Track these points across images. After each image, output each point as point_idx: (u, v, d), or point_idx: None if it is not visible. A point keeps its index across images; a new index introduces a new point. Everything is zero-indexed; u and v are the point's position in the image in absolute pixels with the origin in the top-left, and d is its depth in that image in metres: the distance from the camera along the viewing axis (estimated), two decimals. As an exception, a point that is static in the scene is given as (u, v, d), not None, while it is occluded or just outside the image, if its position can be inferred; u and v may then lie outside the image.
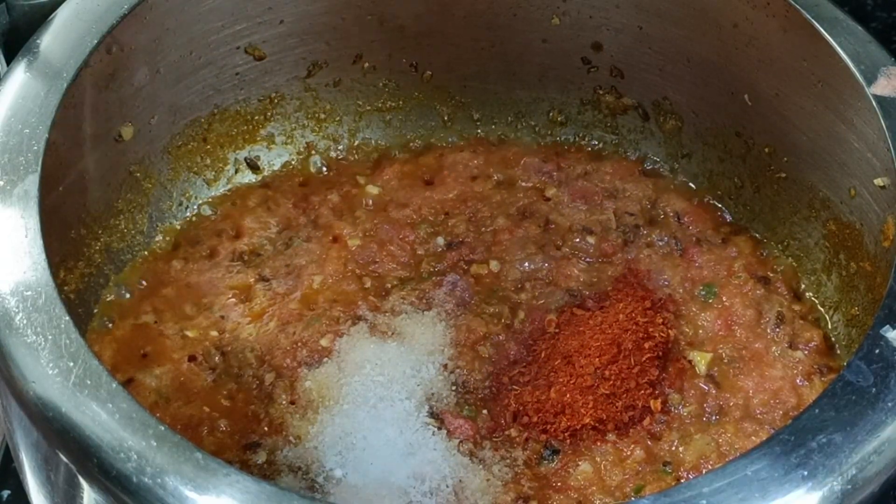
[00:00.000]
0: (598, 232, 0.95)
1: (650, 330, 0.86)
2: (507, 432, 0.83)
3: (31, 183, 0.72)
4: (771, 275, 0.94)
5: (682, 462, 0.81)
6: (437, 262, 0.93)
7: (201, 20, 0.92)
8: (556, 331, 0.88)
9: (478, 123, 1.06)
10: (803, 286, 0.94)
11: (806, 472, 0.60)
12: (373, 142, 1.05)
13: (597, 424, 0.82)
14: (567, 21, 0.98)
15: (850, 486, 0.60)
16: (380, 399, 0.82)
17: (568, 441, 0.82)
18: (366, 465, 0.78)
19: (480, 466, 0.80)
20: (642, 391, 0.84)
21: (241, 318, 0.89)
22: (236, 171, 1.01)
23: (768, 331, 0.88)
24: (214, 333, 0.88)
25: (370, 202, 0.98)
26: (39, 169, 0.73)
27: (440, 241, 0.95)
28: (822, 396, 0.64)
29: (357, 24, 0.99)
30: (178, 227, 0.97)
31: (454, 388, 0.85)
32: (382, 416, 0.81)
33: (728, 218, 0.99)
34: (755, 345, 0.87)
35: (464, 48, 1.02)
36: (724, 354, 0.87)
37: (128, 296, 0.91)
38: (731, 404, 0.84)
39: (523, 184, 1.00)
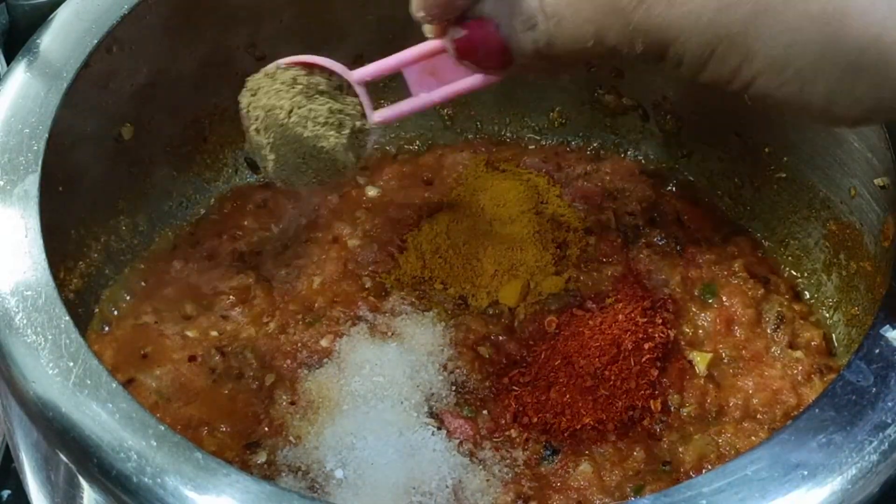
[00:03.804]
0: (598, 232, 0.95)
1: (650, 330, 0.86)
2: (507, 433, 0.83)
3: (31, 183, 0.72)
4: (771, 275, 0.94)
5: (682, 462, 0.81)
6: (437, 262, 0.94)
7: (201, 20, 0.92)
8: (556, 331, 0.88)
9: (478, 123, 1.06)
10: (803, 286, 0.94)
11: (806, 472, 0.60)
12: (373, 142, 1.05)
13: (597, 424, 0.82)
14: (567, 21, 0.98)
15: (850, 486, 0.60)
16: (380, 399, 0.82)
17: (568, 441, 0.82)
18: (366, 466, 0.78)
19: (480, 467, 0.80)
20: (642, 391, 0.84)
21: (241, 319, 0.89)
22: (236, 171, 1.01)
23: (768, 331, 0.88)
24: (214, 334, 0.88)
25: (370, 202, 0.98)
26: (39, 169, 0.73)
27: (440, 241, 0.95)
28: (822, 396, 0.64)
29: (357, 24, 0.99)
30: (178, 227, 0.97)
31: (454, 388, 0.85)
32: (382, 416, 0.81)
33: (728, 218, 0.99)
34: (755, 345, 0.88)
35: (464, 48, 1.02)
36: (724, 354, 0.87)
37: (128, 296, 0.91)
38: (731, 404, 0.84)
39: (523, 184, 1.00)
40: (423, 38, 0.72)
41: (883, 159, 0.80)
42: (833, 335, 0.90)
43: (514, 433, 0.83)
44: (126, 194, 0.93)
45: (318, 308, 0.89)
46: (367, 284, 0.92)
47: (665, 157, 1.03)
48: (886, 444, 0.62)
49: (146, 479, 0.59)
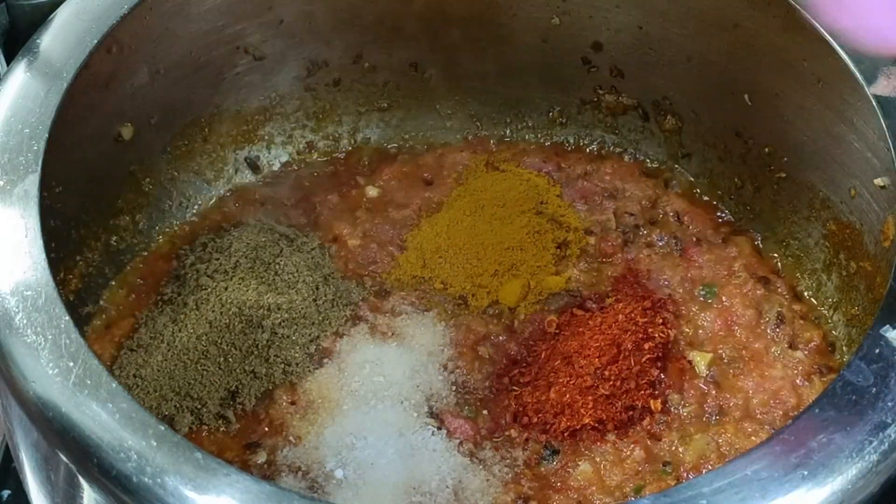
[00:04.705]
0: (598, 232, 0.95)
1: (650, 330, 0.86)
2: (507, 433, 0.83)
3: (31, 183, 0.72)
4: (771, 275, 0.93)
5: (682, 462, 0.81)
6: (437, 262, 0.94)
7: (201, 20, 0.92)
8: (556, 331, 0.88)
9: (478, 123, 1.06)
10: (803, 286, 0.94)
11: (806, 472, 0.60)
12: (373, 142, 1.05)
13: (597, 424, 0.82)
14: (567, 21, 0.98)
15: (850, 486, 0.60)
16: (380, 400, 0.82)
17: (568, 441, 0.82)
18: (366, 466, 0.78)
19: (480, 467, 0.80)
20: (642, 391, 0.84)
21: (241, 318, 0.89)
22: (236, 171, 1.01)
23: (768, 331, 0.88)
24: (214, 333, 0.88)
25: (370, 203, 0.98)
26: (39, 169, 0.73)
27: (440, 241, 0.95)
28: (822, 396, 0.64)
29: (357, 24, 0.99)
30: (178, 227, 0.97)
31: (454, 388, 0.85)
32: (382, 416, 0.81)
33: (728, 218, 0.99)
34: (755, 345, 0.88)
35: (464, 48, 1.02)
36: (724, 354, 0.87)
37: (128, 296, 0.91)
38: (731, 404, 0.84)
39: (523, 184, 1.00)
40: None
41: (883, 159, 0.80)
42: (833, 335, 0.90)
43: (514, 433, 0.83)
44: (126, 194, 0.93)
45: (318, 308, 0.89)
46: (368, 284, 0.92)
47: (665, 157, 1.03)
48: (886, 444, 0.62)
49: (146, 479, 0.59)
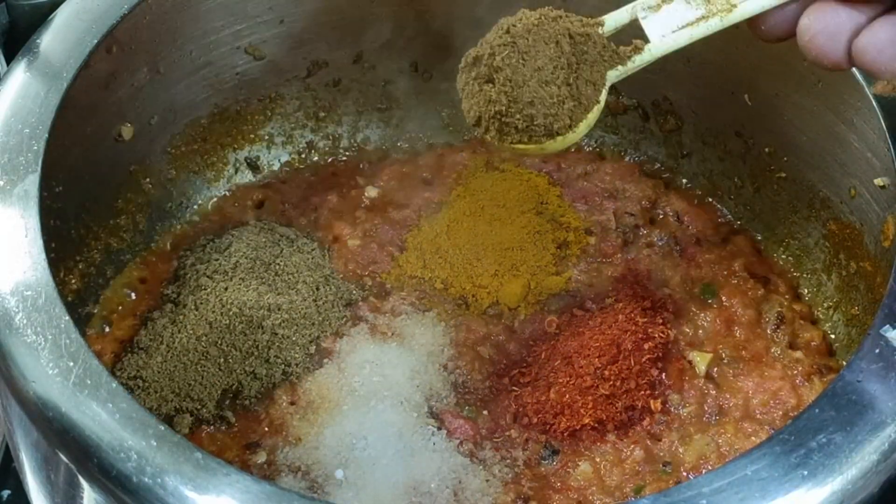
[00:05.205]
0: (598, 232, 0.95)
1: (650, 330, 0.86)
2: (507, 433, 0.83)
3: (31, 183, 0.72)
4: (771, 275, 0.94)
5: (682, 462, 0.81)
6: (437, 262, 0.94)
7: (201, 20, 0.92)
8: (557, 331, 0.88)
9: (478, 124, 1.06)
10: (803, 286, 0.94)
11: (806, 472, 0.60)
12: (373, 142, 1.05)
13: (596, 425, 0.82)
14: (567, 21, 0.98)
15: (850, 486, 0.60)
16: (380, 400, 0.82)
17: (568, 441, 0.82)
18: (366, 466, 0.78)
19: (480, 467, 0.80)
20: (642, 391, 0.84)
21: (241, 318, 0.89)
22: (236, 171, 1.01)
23: (768, 331, 0.88)
24: (214, 333, 0.88)
25: (370, 202, 0.98)
26: (39, 169, 0.73)
27: (440, 241, 0.95)
28: (822, 396, 0.64)
29: (357, 24, 0.99)
30: (178, 227, 0.97)
31: (454, 388, 0.85)
32: (382, 416, 0.81)
33: (728, 218, 0.99)
34: (755, 345, 0.88)
35: (464, 48, 1.02)
36: (723, 354, 0.87)
37: (128, 296, 0.91)
38: (731, 404, 0.84)
39: (523, 184, 1.00)
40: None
41: (883, 159, 0.80)
42: (833, 335, 0.90)
43: (514, 433, 0.83)
44: (126, 194, 0.93)
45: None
46: (368, 285, 0.92)
47: (665, 157, 1.03)
48: (886, 444, 0.62)
49: (146, 479, 0.59)
